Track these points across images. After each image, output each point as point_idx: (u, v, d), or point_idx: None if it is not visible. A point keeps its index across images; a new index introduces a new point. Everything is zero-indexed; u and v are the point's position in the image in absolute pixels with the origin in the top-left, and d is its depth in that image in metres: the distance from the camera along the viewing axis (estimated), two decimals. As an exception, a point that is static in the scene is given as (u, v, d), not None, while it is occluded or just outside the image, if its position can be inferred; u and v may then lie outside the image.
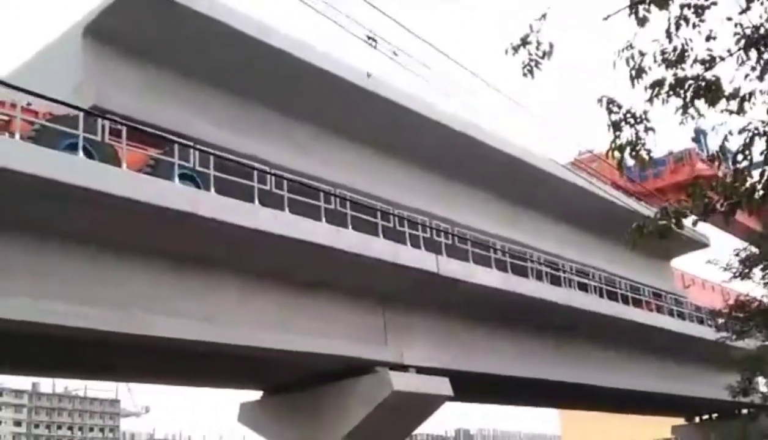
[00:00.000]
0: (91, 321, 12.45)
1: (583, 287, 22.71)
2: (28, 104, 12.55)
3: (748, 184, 6.67)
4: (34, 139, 12.03)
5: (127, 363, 17.05)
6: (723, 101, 6.66)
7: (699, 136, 34.62)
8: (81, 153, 12.26)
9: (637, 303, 25.53)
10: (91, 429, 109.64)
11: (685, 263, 35.13)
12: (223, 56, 16.19)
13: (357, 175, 18.70)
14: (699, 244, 30.94)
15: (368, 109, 18.61)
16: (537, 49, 6.54)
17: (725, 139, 6.80)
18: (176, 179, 13.41)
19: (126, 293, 13.15)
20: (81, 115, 12.26)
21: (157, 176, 13.26)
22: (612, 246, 26.66)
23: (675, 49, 6.53)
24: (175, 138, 12.76)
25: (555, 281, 21.59)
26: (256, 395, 19.79)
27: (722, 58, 6.55)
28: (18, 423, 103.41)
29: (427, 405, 17.95)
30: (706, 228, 29.80)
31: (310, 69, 17.05)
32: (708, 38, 6.49)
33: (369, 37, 7.43)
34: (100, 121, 12.59)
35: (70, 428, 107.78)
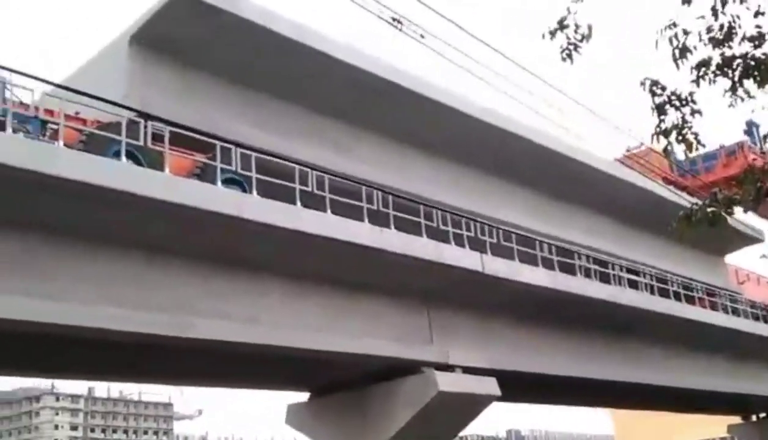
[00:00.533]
0: (142, 326, 12.53)
1: (633, 285, 22.23)
2: (77, 113, 12.78)
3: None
4: (84, 146, 12.23)
5: (178, 367, 17.17)
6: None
7: (751, 128, 33.68)
8: (123, 158, 12.39)
9: (691, 300, 24.93)
10: (146, 433, 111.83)
11: (739, 259, 34.21)
12: (265, 60, 16.30)
13: (399, 175, 18.58)
14: (753, 239, 30.07)
15: (410, 108, 18.51)
16: (575, 32, 6.35)
17: (777, 120, 6.51)
18: (218, 182, 13.42)
19: (174, 296, 13.22)
20: (124, 120, 12.45)
21: (205, 181, 13.36)
22: (665, 243, 26.30)
23: (722, 27, 6.27)
24: (214, 140, 12.81)
25: (604, 278, 21.17)
26: (303, 397, 19.76)
27: (773, 35, 6.28)
28: (74, 427, 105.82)
29: (474, 405, 17.68)
30: (757, 222, 28.91)
31: (352, 70, 17.06)
32: (757, 14, 6.21)
33: (394, 19, 7.26)
34: (142, 126, 12.71)
35: (125, 431, 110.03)
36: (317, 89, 17.35)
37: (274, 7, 16.16)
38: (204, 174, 13.66)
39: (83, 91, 6.63)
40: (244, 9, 15.38)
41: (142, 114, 12.74)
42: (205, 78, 16.14)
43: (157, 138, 12.93)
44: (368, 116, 18.45)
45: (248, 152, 13.70)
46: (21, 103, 12.54)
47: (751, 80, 6.32)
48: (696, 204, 7.05)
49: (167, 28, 15.00)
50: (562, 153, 22.33)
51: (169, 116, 13.91)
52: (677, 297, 23.82)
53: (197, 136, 12.13)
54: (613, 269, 21.56)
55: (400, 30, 7.26)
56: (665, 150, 7.45)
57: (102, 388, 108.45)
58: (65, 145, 11.95)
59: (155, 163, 12.79)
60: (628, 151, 25.49)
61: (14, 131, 11.60)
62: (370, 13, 6.98)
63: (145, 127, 12.75)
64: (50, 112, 12.72)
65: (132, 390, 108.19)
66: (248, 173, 13.92)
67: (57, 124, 12.29)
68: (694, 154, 31.68)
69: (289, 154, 15.31)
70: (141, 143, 12.68)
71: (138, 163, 12.72)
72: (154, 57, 15.42)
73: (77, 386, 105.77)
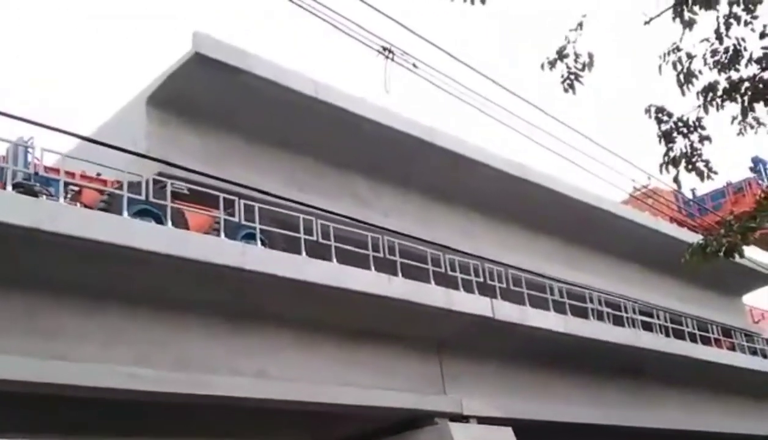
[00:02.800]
0: (149, 384, 12.23)
1: (647, 327, 21.85)
2: (98, 174, 12.83)
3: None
4: (105, 207, 12.34)
5: (181, 423, 16.79)
6: (784, 106, 6.20)
7: (757, 165, 33.58)
8: (126, 213, 12.32)
9: (708, 341, 24.53)
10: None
11: (755, 299, 33.80)
12: (282, 117, 16.57)
13: (420, 226, 18.51)
14: (770, 278, 29.75)
15: (425, 158, 18.90)
16: (576, 61, 6.21)
17: (790, 142, 6.30)
18: (239, 237, 13.50)
19: (183, 352, 12.98)
20: (144, 180, 12.58)
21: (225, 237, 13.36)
22: (682, 285, 26.23)
23: (727, 50, 6.12)
24: (219, 193, 12.72)
25: (618, 321, 20.82)
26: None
27: (780, 56, 6.12)
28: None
29: (490, 456, 17.17)
30: (751, 252, 28.56)
31: (368, 123, 17.41)
32: (762, 35, 6.06)
33: (384, 48, 7.14)
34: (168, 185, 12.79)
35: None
36: (335, 144, 17.60)
37: (289, 63, 16.48)
38: (222, 230, 13.65)
39: (111, 145, 6.50)
40: (259, 67, 15.63)
41: (163, 174, 12.94)
42: (224, 136, 16.39)
43: (179, 197, 13.20)
44: (389, 169, 18.77)
45: (251, 203, 13.65)
46: (45, 167, 12.72)
47: (762, 103, 6.15)
48: (710, 234, 6.82)
49: (185, 87, 15.26)
50: (571, 195, 22.30)
51: (191, 176, 13.99)
52: (692, 338, 23.38)
53: (215, 192, 12.27)
54: (626, 311, 21.21)
55: (392, 60, 7.14)
56: (675, 179, 7.22)
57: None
58: (86, 206, 12.11)
59: (177, 221, 12.96)
60: (635, 189, 25.39)
61: (37, 194, 11.78)
62: (358, 42, 6.88)
63: (164, 186, 12.90)
64: (71, 174, 12.99)
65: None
66: (264, 227, 13.98)
67: (78, 185, 12.45)
68: (702, 189, 31.45)
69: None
70: (162, 202, 12.80)
71: (159, 222, 12.81)
72: (174, 117, 15.69)
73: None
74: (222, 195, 13.34)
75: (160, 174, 13.46)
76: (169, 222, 12.79)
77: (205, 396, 13.05)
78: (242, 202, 13.52)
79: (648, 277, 26.21)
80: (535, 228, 22.72)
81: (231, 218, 13.62)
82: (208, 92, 15.54)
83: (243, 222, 13.65)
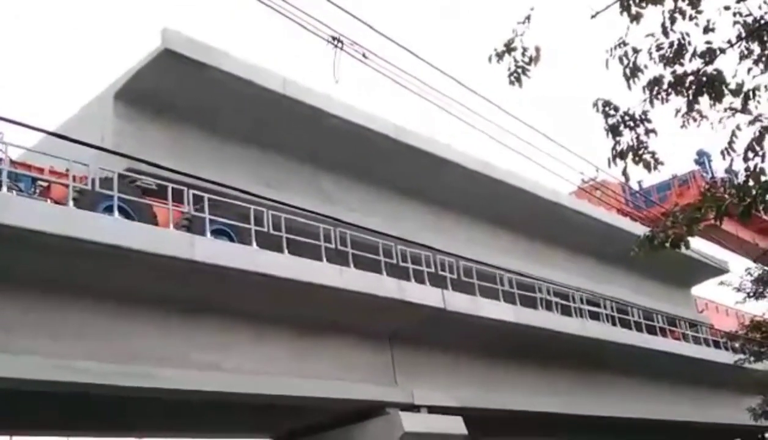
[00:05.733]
0: (99, 377, 12.04)
1: (595, 316, 22.22)
2: (67, 170, 12.72)
3: (762, 181, 6.29)
4: (75, 203, 12.17)
5: (135, 417, 16.57)
6: (727, 98, 6.33)
7: (702, 158, 34.41)
8: (75, 204, 12.08)
9: (659, 331, 25.11)
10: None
11: (700, 289, 34.61)
12: (251, 113, 16.57)
13: (381, 219, 18.53)
14: (718, 270, 30.44)
15: (391, 155, 19.03)
16: (523, 54, 6.24)
17: (733, 134, 6.43)
18: (207, 233, 13.41)
19: (132, 345, 12.77)
20: (115, 176, 12.55)
21: (194, 232, 13.22)
22: (637, 277, 26.95)
23: (672, 45, 6.23)
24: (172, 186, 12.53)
25: (566, 311, 21.15)
26: (266, 445, 19.27)
27: (722, 51, 6.22)
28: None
29: (441, 445, 17.31)
30: (697, 244, 29.28)
31: (333, 119, 17.43)
32: (706, 30, 6.17)
33: (334, 38, 7.09)
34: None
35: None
36: (304, 140, 17.60)
37: (254, 59, 16.44)
38: (192, 225, 13.55)
39: (81, 141, 6.31)
40: (228, 64, 15.56)
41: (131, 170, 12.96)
42: (192, 132, 16.29)
43: (147, 192, 13.24)
44: (355, 165, 18.82)
45: (219, 198, 13.55)
46: (12, 161, 12.53)
47: (705, 96, 6.27)
48: (656, 226, 6.95)
49: (153, 83, 15.18)
50: (519, 186, 22.53)
51: (159, 171, 13.76)
52: (638, 327, 23.86)
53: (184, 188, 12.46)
54: (574, 301, 21.54)
55: (341, 49, 7.09)
56: (623, 172, 7.33)
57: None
58: (56, 202, 12.05)
59: (147, 217, 12.93)
60: (583, 181, 25.78)
61: (8, 189, 11.55)
62: (309, 31, 6.81)
63: (133, 181, 13.01)
64: (40, 170, 12.95)
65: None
66: (237, 223, 14.04)
67: (47, 180, 12.59)
68: (648, 182, 32.06)
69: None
70: (130, 197, 12.79)
71: (129, 217, 12.70)
72: (142, 113, 15.57)
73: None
74: (191, 190, 13.33)
75: (128, 169, 13.33)
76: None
77: (154, 389, 12.87)
78: (209, 197, 13.48)
79: (604, 270, 26.72)
80: (499, 224, 23.07)
81: (200, 214, 13.57)
82: (176, 88, 15.46)
83: (211, 217, 13.60)
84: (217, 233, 13.93)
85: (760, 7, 6.24)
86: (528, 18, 6.21)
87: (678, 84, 6.32)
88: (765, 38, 6.20)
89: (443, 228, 21.05)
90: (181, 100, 15.73)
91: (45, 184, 12.92)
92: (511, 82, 6.39)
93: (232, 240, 14.07)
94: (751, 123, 6.34)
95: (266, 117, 16.82)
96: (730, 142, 6.52)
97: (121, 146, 14.42)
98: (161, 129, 15.81)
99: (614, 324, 22.80)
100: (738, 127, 6.46)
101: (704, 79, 6.28)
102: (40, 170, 12.96)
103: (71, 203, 12.04)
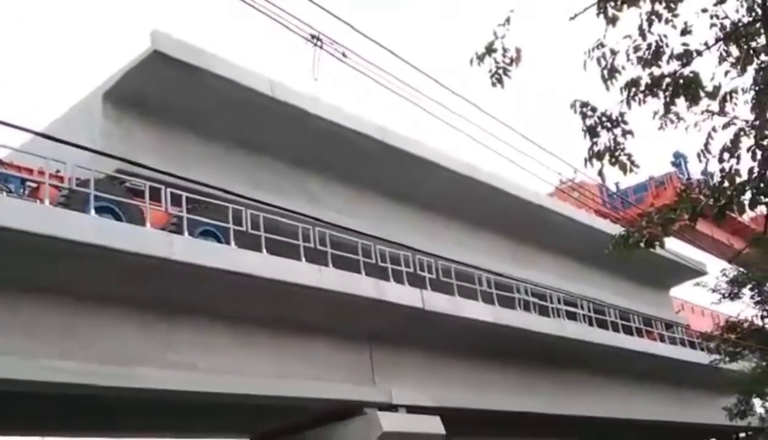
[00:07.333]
0: (70, 376, 11.92)
1: (572, 317, 22.35)
2: (57, 171, 12.73)
3: (737, 183, 6.35)
4: (64, 204, 12.24)
5: (112, 419, 16.44)
6: (704, 101, 6.40)
7: (678, 159, 34.70)
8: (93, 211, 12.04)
9: (637, 332, 25.29)
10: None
11: (677, 290, 34.90)
12: (239, 115, 16.52)
13: (368, 220, 18.59)
14: (696, 272, 30.74)
15: (377, 157, 19.05)
16: (504, 56, 6.27)
17: (709, 136, 6.50)
18: (186, 233, 13.40)
19: (108, 345, 12.67)
20: (92, 178, 12.41)
21: (180, 233, 13.25)
22: (616, 279, 27.29)
23: (649, 47, 6.28)
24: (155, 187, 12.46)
25: (544, 312, 21.26)
26: (244, 445, 19.18)
27: (699, 53, 6.29)
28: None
29: (419, 445, 17.34)
30: (675, 246, 29.60)
31: (320, 121, 17.45)
32: (683, 32, 6.23)
33: (313, 36, 7.06)
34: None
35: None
36: (291, 142, 17.56)
37: (237, 57, 16.34)
38: (180, 227, 13.54)
39: (72, 143, 6.21)
40: (217, 66, 15.54)
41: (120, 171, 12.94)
42: (181, 134, 16.25)
43: (137, 194, 13.25)
44: (342, 167, 18.83)
45: (207, 200, 13.51)
46: (0, 162, 12.59)
47: (682, 98, 6.33)
48: (632, 226, 7.01)
49: (142, 84, 15.11)
50: (498, 187, 22.59)
51: (148, 173, 13.68)
52: (615, 327, 24.03)
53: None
54: (551, 302, 21.65)
55: (321, 48, 7.06)
56: (600, 173, 7.38)
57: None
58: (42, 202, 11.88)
59: (135, 218, 12.95)
60: (561, 183, 25.93)
61: None
62: (288, 30, 6.78)
63: (122, 183, 13.02)
64: (29, 171, 12.90)
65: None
66: (224, 224, 14.03)
67: (37, 181, 12.51)
68: (625, 183, 32.21)
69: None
70: (119, 199, 12.84)
71: (117, 218, 12.74)
72: (131, 114, 15.51)
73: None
74: (180, 192, 13.31)
75: (117, 171, 13.28)
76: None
77: (130, 389, 12.80)
78: (188, 197, 13.43)
79: (584, 271, 26.87)
80: (482, 225, 23.13)
81: (190, 215, 13.56)
82: (165, 90, 15.40)
83: (199, 218, 13.66)
84: (205, 234, 13.91)
85: (737, 11, 6.32)
86: (508, 20, 6.24)
87: (655, 86, 6.38)
88: (742, 41, 6.27)
89: (428, 230, 21.10)
90: (170, 101, 15.71)
91: (35, 185, 12.82)
92: (493, 84, 6.42)
93: (219, 241, 14.03)
94: (726, 126, 6.40)
95: (253, 119, 16.82)
96: (706, 144, 6.58)
97: (109, 147, 14.29)
98: (149, 130, 15.77)
99: (591, 324, 22.93)
100: (714, 129, 6.51)
101: (681, 81, 6.34)
102: (30, 171, 12.87)
103: (47, 201, 11.93)
